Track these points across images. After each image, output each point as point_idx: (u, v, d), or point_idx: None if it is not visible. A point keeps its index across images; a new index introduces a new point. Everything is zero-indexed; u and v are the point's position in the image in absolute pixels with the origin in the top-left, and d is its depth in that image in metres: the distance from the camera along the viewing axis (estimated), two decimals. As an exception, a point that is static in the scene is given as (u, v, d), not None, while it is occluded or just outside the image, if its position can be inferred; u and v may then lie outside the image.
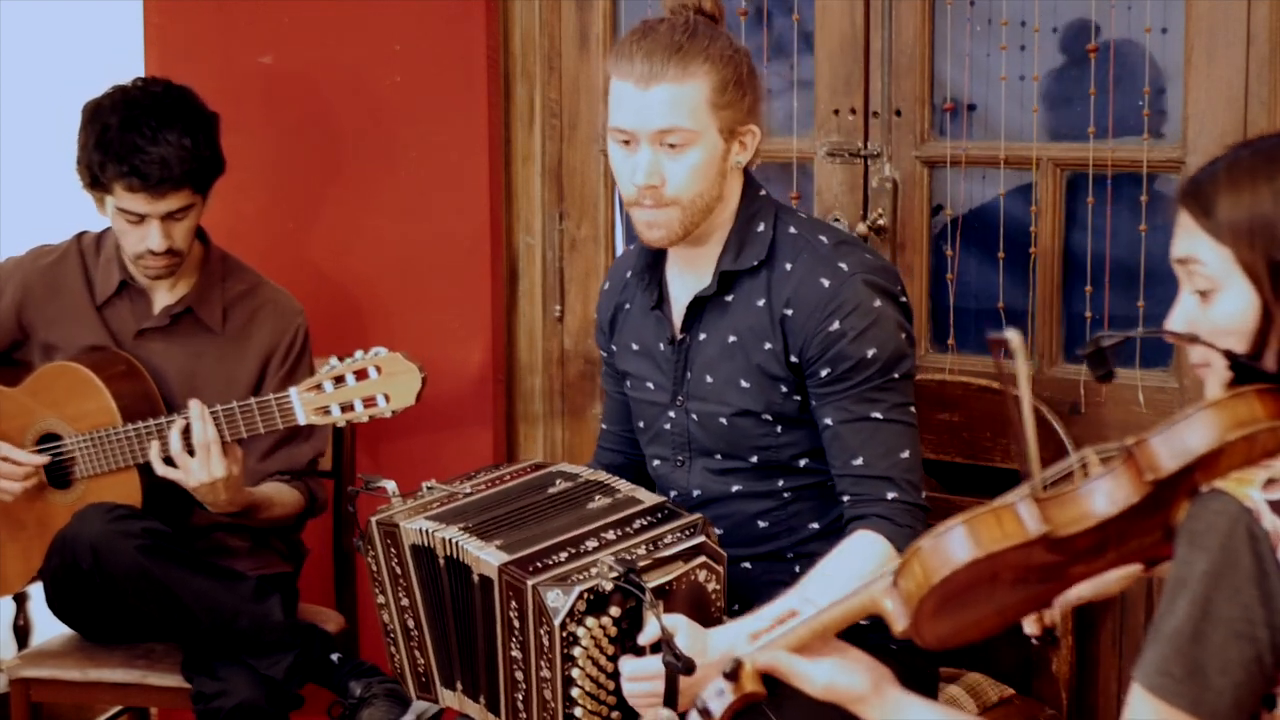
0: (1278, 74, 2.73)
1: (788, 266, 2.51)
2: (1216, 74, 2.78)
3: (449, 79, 3.52)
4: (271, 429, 2.95)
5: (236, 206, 3.53)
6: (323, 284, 3.60)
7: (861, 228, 3.12)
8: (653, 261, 2.62)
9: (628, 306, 2.70)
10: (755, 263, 2.52)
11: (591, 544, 2.38)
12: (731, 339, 2.54)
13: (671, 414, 2.62)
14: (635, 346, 2.67)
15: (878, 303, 2.46)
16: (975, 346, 3.12)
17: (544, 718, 2.36)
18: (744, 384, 2.53)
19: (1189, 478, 1.70)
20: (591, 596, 2.28)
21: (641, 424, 2.69)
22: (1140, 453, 1.71)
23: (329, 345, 3.26)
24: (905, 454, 2.47)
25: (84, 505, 3.05)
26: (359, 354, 2.89)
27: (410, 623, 2.58)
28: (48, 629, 3.44)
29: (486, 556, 2.37)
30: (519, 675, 2.38)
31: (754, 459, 2.55)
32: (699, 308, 2.57)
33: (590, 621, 2.28)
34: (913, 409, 2.50)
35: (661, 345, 2.62)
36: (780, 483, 2.56)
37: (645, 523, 2.43)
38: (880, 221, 3.13)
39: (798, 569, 2.54)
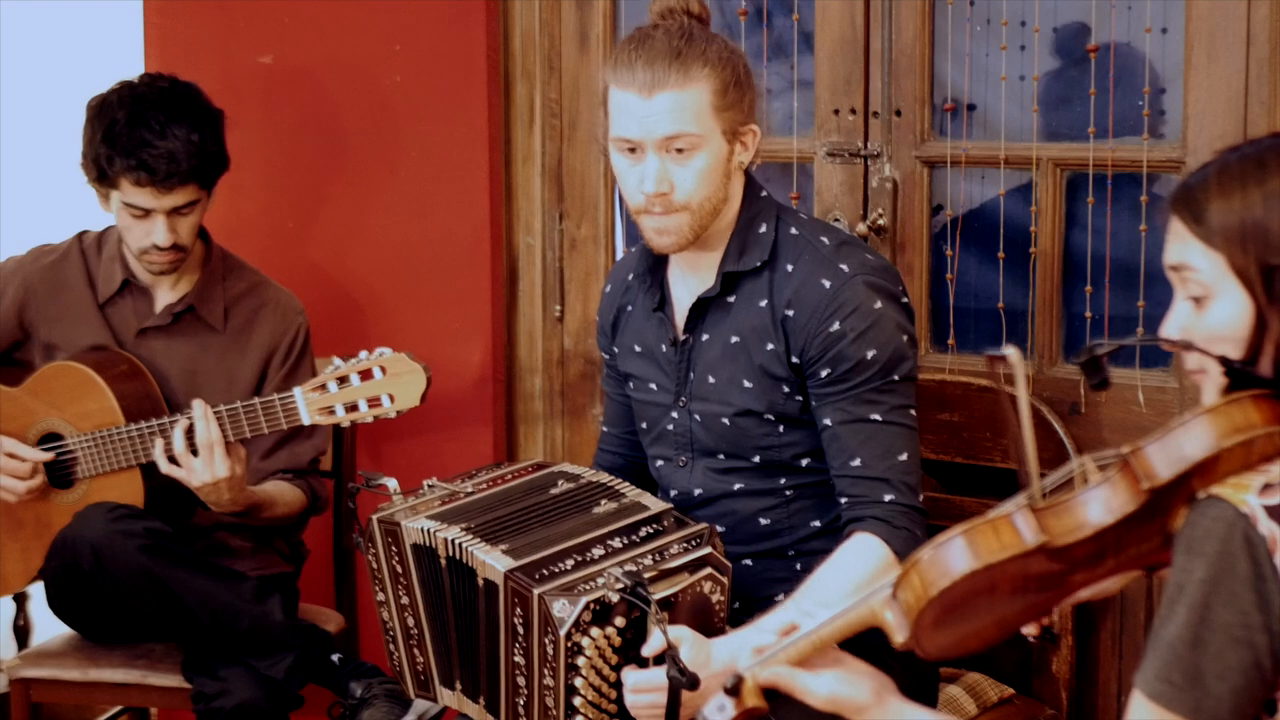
0: (1278, 74, 2.73)
1: (789, 268, 2.51)
2: (1216, 74, 2.78)
3: (449, 79, 3.52)
4: (276, 429, 2.95)
5: (237, 206, 3.53)
6: (323, 284, 3.60)
7: (861, 228, 3.12)
8: (654, 264, 2.62)
9: (629, 309, 2.70)
10: (758, 264, 2.52)
11: (598, 551, 2.38)
12: (734, 339, 2.54)
13: (674, 415, 2.62)
14: (638, 348, 2.67)
15: (878, 304, 2.47)
16: (975, 346, 3.12)
17: (544, 724, 2.36)
18: (746, 384, 2.53)
19: (1186, 484, 1.70)
20: (597, 607, 2.28)
21: (644, 425, 2.69)
22: (1136, 461, 1.71)
23: (329, 345, 3.26)
24: (904, 456, 2.47)
25: (85, 505, 3.05)
26: (364, 354, 2.89)
27: (410, 621, 2.58)
28: (48, 629, 3.44)
29: (492, 561, 2.37)
30: (521, 681, 2.38)
31: (756, 459, 2.56)
32: (702, 309, 2.57)
33: (595, 632, 2.28)
34: (913, 412, 2.50)
35: (664, 347, 2.62)
36: (782, 481, 2.57)
37: (651, 530, 2.43)
38: (880, 221, 3.13)
39: (799, 566, 2.55)
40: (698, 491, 2.61)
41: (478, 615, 2.44)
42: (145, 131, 3.05)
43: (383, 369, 2.88)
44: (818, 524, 2.57)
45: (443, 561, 2.47)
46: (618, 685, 2.31)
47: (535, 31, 3.50)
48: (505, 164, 3.56)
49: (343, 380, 2.89)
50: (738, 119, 2.47)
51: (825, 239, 2.53)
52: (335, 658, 3.06)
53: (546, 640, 2.30)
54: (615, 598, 2.27)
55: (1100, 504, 1.73)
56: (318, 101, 3.61)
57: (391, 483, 2.63)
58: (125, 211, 3.11)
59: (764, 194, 2.58)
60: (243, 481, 3.00)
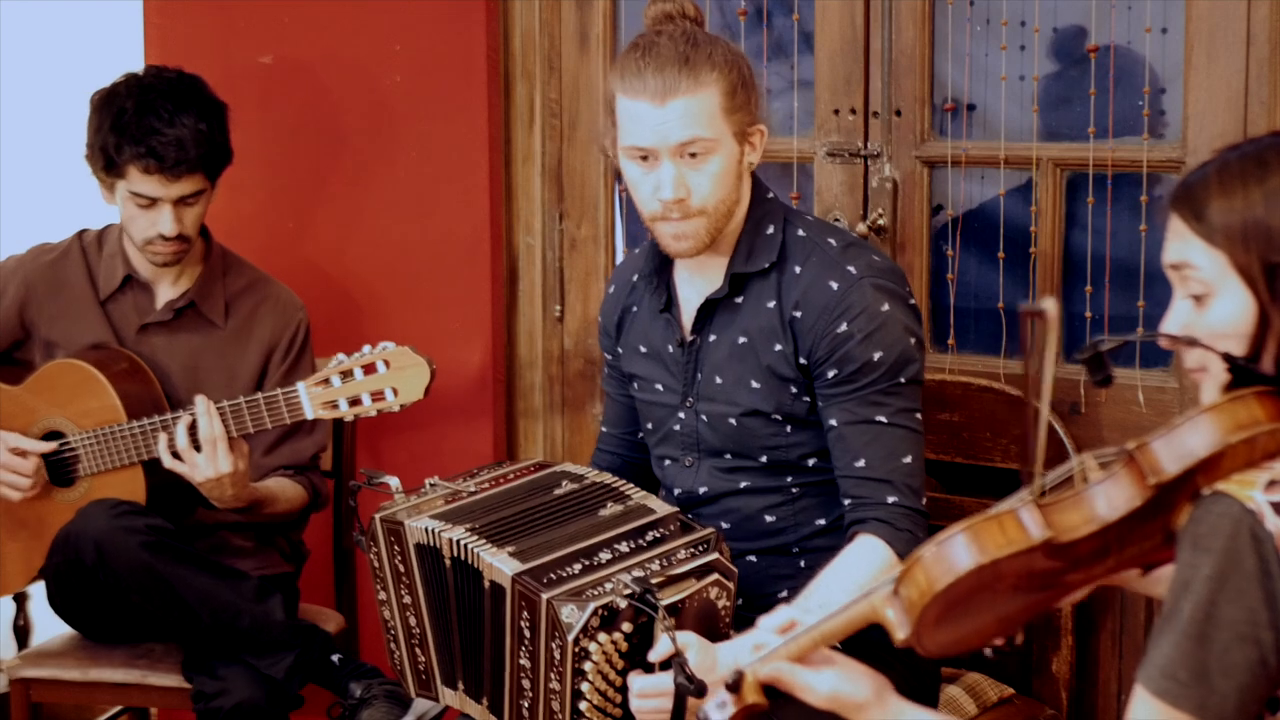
0: (1278, 74, 2.73)
1: (797, 269, 2.52)
2: (1216, 74, 2.78)
3: (449, 79, 3.52)
4: (279, 424, 2.95)
5: (236, 206, 3.53)
6: (323, 284, 3.60)
7: (861, 228, 3.12)
8: (660, 265, 2.63)
9: (634, 309, 2.70)
10: (766, 265, 2.53)
11: (605, 555, 2.38)
12: (741, 340, 2.55)
13: (681, 415, 2.62)
14: (643, 349, 2.68)
15: (885, 306, 2.47)
16: (975, 346, 3.12)
17: (549, 728, 2.36)
18: (754, 384, 2.54)
19: (1190, 481, 1.70)
20: (605, 612, 2.28)
21: (650, 425, 2.69)
22: (1142, 456, 1.72)
23: (329, 346, 3.26)
24: (908, 459, 2.47)
25: (87, 503, 3.05)
26: (366, 349, 2.90)
27: (412, 620, 2.58)
28: (48, 629, 3.44)
29: (499, 564, 2.37)
30: (526, 683, 2.38)
31: (763, 459, 2.56)
32: (709, 310, 2.57)
33: (602, 637, 2.29)
34: (918, 415, 2.51)
35: (670, 347, 2.63)
36: (789, 479, 2.57)
37: (658, 535, 2.43)
38: (880, 221, 3.13)
39: (803, 564, 2.55)
40: (703, 490, 2.62)
41: (483, 617, 2.44)
42: (154, 119, 3.07)
43: (386, 363, 2.88)
44: (822, 522, 2.58)
45: (447, 562, 2.47)
46: (623, 690, 2.31)
47: (535, 31, 3.50)
48: (505, 164, 3.56)
49: (346, 374, 2.90)
50: (746, 120, 2.48)
51: (832, 240, 2.54)
52: (335, 658, 3.06)
53: (554, 645, 2.30)
54: (623, 603, 2.28)
55: (1106, 499, 1.73)
56: (317, 101, 3.61)
57: (394, 481, 2.63)
58: (131, 201, 3.11)
59: (770, 195, 2.58)
60: (245, 477, 3.01)
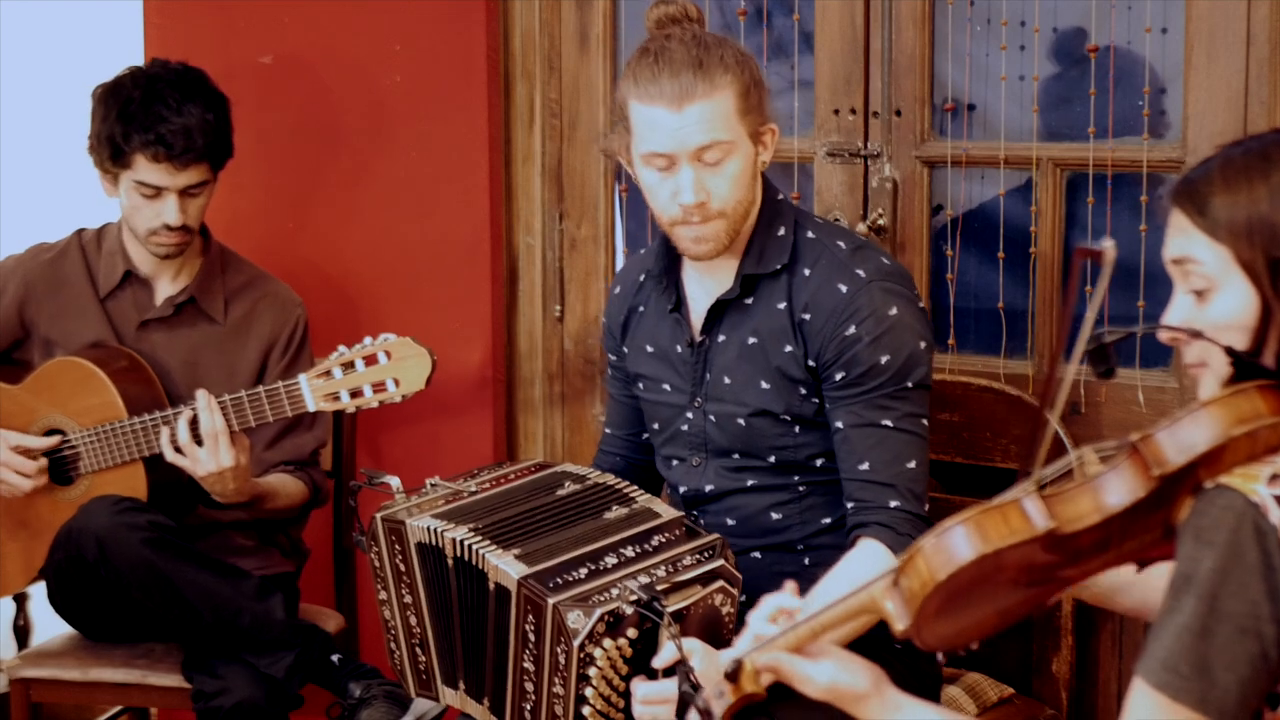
0: (1278, 74, 2.73)
1: (806, 271, 2.53)
2: (1216, 74, 2.78)
3: (449, 79, 3.52)
4: (281, 416, 2.96)
5: (236, 205, 3.53)
6: (322, 284, 3.60)
7: (861, 228, 3.12)
8: (669, 265, 2.63)
9: (641, 309, 2.71)
10: (778, 266, 2.54)
11: (610, 560, 2.38)
12: (751, 340, 2.55)
13: (689, 415, 2.63)
14: (650, 349, 2.68)
15: (894, 310, 2.48)
16: (975, 346, 3.12)
17: (552, 732, 2.37)
18: (764, 385, 2.54)
19: (1192, 474, 1.70)
20: (611, 618, 2.29)
21: (656, 425, 2.69)
22: (1145, 448, 1.72)
23: (329, 346, 3.26)
24: (912, 464, 2.47)
25: (89, 499, 3.05)
26: (368, 340, 2.90)
27: (412, 620, 2.58)
28: (48, 629, 3.44)
29: (505, 567, 2.37)
30: (529, 686, 2.38)
31: (772, 459, 2.56)
32: (719, 310, 2.58)
33: (607, 643, 2.29)
34: (925, 422, 2.51)
35: (679, 347, 2.63)
36: (796, 479, 2.58)
37: (663, 540, 2.44)
38: (880, 221, 3.13)
39: (807, 561, 2.56)
40: (709, 488, 2.62)
41: (486, 619, 2.44)
42: (162, 108, 3.09)
43: (387, 353, 2.89)
44: (828, 520, 2.58)
45: (450, 562, 2.47)
46: (626, 695, 2.31)
47: (535, 31, 3.50)
48: (505, 164, 3.56)
49: (347, 366, 2.90)
50: (758, 120, 2.49)
51: (841, 243, 2.55)
52: (335, 658, 3.06)
53: (559, 649, 2.30)
54: (629, 609, 2.28)
55: (1110, 490, 1.73)
56: (317, 101, 3.61)
57: (394, 481, 2.63)
58: (136, 191, 3.12)
59: (781, 197, 2.59)
60: (247, 471, 3.01)
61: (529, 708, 2.39)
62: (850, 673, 1.89)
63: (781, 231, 2.55)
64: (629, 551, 2.41)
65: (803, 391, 2.53)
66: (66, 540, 3.02)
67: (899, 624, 1.80)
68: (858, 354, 2.47)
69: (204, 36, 3.63)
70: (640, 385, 2.71)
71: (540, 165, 3.54)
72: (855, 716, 1.91)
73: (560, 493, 2.57)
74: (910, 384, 2.48)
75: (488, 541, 2.43)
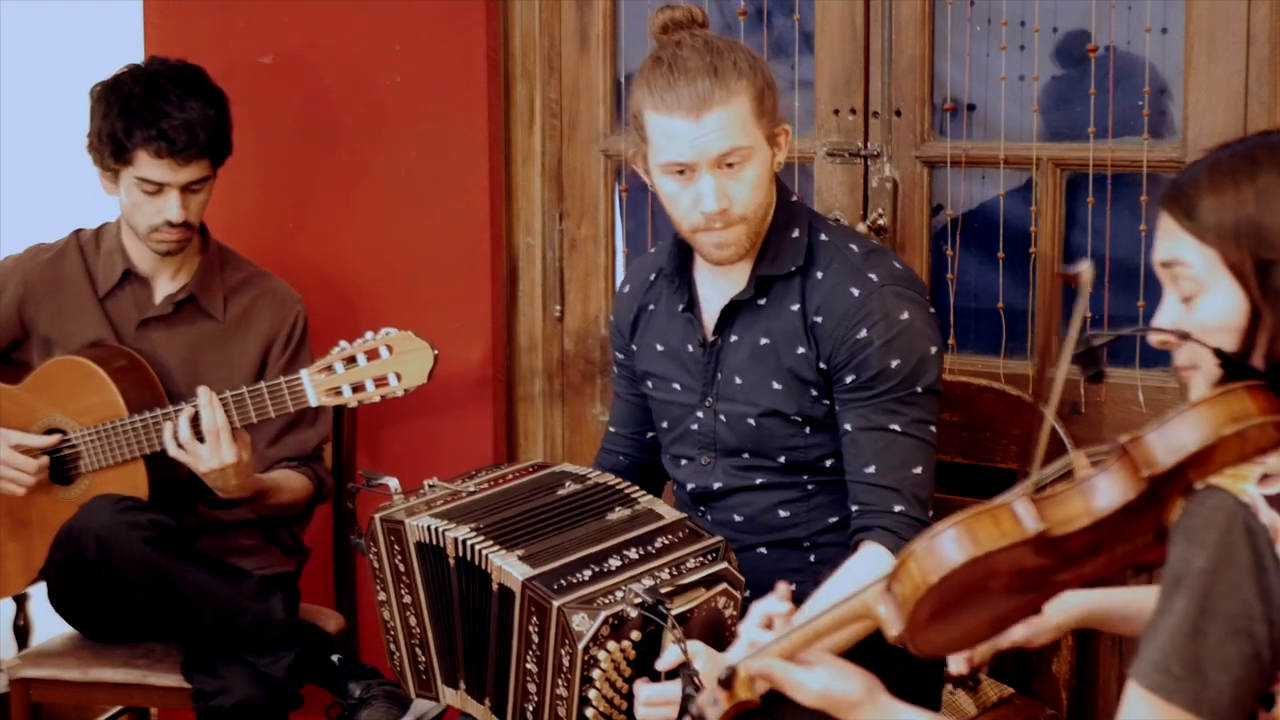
0: (1278, 74, 2.73)
1: (819, 274, 2.54)
2: (1216, 74, 2.78)
3: (449, 79, 3.52)
4: (283, 412, 2.96)
5: (236, 205, 3.53)
6: (322, 284, 3.60)
7: (861, 228, 3.12)
8: (681, 264, 2.63)
9: (651, 308, 2.71)
10: (792, 268, 2.54)
11: (614, 562, 2.39)
12: (764, 341, 2.56)
13: (700, 414, 2.63)
14: (660, 347, 2.68)
15: (905, 315, 2.48)
16: (975, 346, 3.12)
17: (555, 734, 2.37)
18: (775, 385, 2.55)
19: (1183, 475, 1.71)
20: (615, 621, 2.29)
21: (665, 424, 2.69)
22: (1135, 449, 1.72)
23: (330, 347, 3.26)
24: (918, 470, 2.48)
25: (90, 498, 3.05)
26: (369, 334, 2.91)
27: (412, 620, 2.58)
28: (48, 629, 3.44)
29: (509, 568, 2.37)
30: (532, 688, 2.38)
31: (782, 459, 2.57)
32: (732, 310, 2.58)
33: (611, 645, 2.29)
34: (933, 428, 2.52)
35: (690, 347, 2.63)
36: (805, 477, 2.58)
37: (667, 542, 2.44)
38: (880, 221, 3.13)
39: (812, 558, 2.57)
40: (717, 485, 2.62)
41: (489, 619, 2.44)
42: (164, 104, 3.09)
43: (389, 348, 2.89)
44: (835, 519, 2.58)
45: (451, 561, 2.48)
46: (629, 697, 2.31)
47: (535, 31, 3.50)
48: (505, 164, 3.56)
49: (349, 360, 2.91)
50: (773, 121, 2.50)
51: (854, 246, 2.56)
52: (335, 658, 3.06)
53: (563, 651, 2.31)
54: (633, 612, 2.28)
55: (1100, 492, 1.74)
56: (317, 101, 3.61)
57: (393, 482, 2.63)
58: (137, 188, 3.12)
59: (795, 198, 2.59)
60: (249, 467, 3.01)
61: (531, 709, 2.39)
62: (843, 680, 1.89)
63: (796, 233, 2.56)
64: (633, 554, 2.41)
65: (814, 393, 2.54)
66: (67, 539, 3.02)
67: (892, 630, 1.80)
68: (868, 357, 2.47)
69: (204, 36, 3.63)
70: (649, 384, 2.71)
71: (540, 165, 3.54)
72: None
73: (561, 492, 2.57)
74: (919, 389, 2.49)
75: (491, 542, 2.43)
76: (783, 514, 2.59)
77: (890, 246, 3.13)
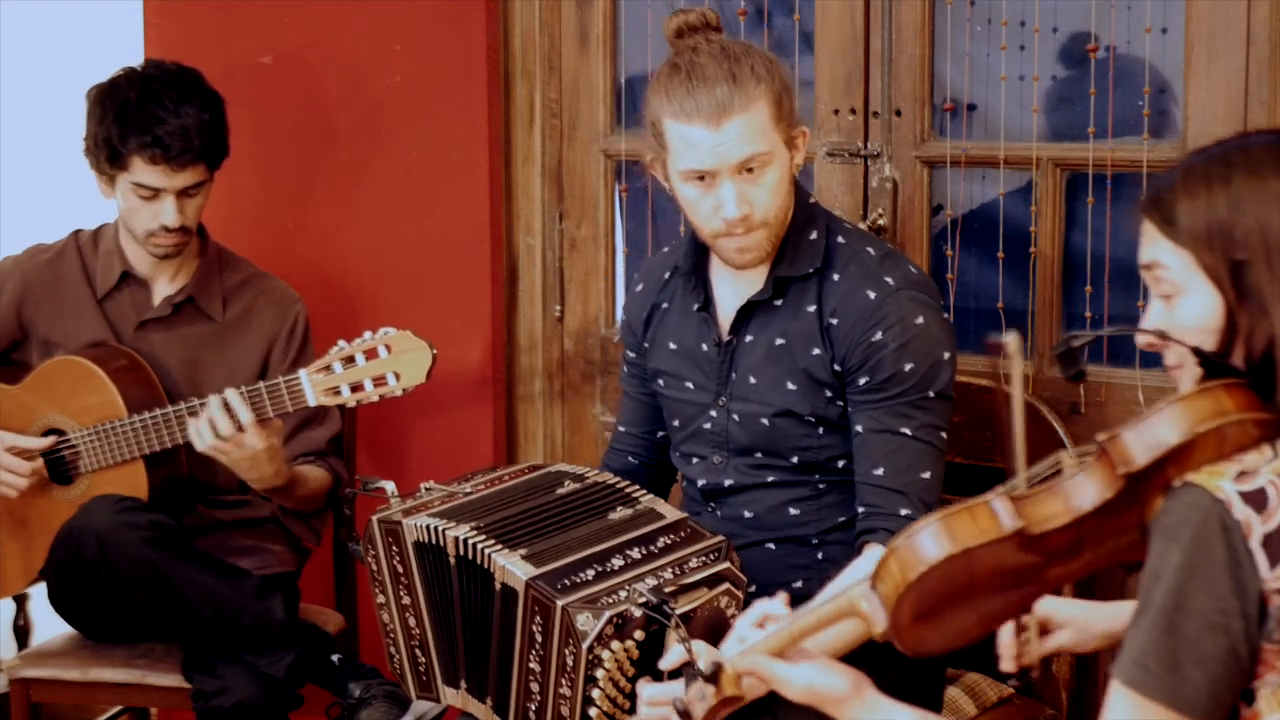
0: (1278, 74, 2.73)
1: (836, 276, 2.54)
2: (1216, 74, 2.78)
3: (449, 79, 3.52)
4: (281, 411, 2.95)
5: (236, 206, 3.53)
6: (322, 284, 3.60)
7: (861, 228, 3.12)
8: (698, 263, 2.63)
9: (665, 306, 2.71)
10: (811, 270, 2.54)
11: (617, 561, 2.39)
12: (779, 341, 2.56)
13: (713, 414, 2.63)
14: (673, 346, 2.68)
15: (920, 319, 2.49)
16: (975, 346, 3.12)
17: (558, 733, 2.37)
18: (790, 386, 2.55)
19: (1161, 472, 1.73)
20: (619, 621, 2.29)
21: (677, 423, 2.70)
22: (1113, 448, 1.75)
23: (329, 347, 3.26)
24: (926, 475, 2.48)
25: (90, 499, 3.05)
26: (368, 334, 2.91)
27: (411, 621, 2.58)
28: (48, 629, 3.44)
29: (513, 567, 2.38)
30: (534, 687, 2.38)
31: (795, 459, 2.57)
32: (748, 311, 2.58)
33: (615, 645, 2.30)
34: (943, 434, 2.52)
35: (705, 346, 2.63)
36: (816, 476, 2.58)
37: (669, 542, 2.45)
38: (880, 221, 3.13)
39: (820, 555, 2.57)
40: (728, 482, 2.62)
41: (491, 618, 2.44)
42: (159, 109, 3.09)
43: (388, 347, 2.89)
44: (844, 518, 2.59)
45: (452, 560, 2.48)
46: (632, 696, 2.32)
47: (535, 31, 3.50)
48: (505, 164, 3.57)
49: (348, 360, 2.91)
50: (791, 124, 2.51)
51: (871, 250, 2.56)
52: (335, 658, 3.06)
53: (567, 651, 2.31)
54: (637, 612, 2.29)
55: (1078, 491, 1.77)
56: (317, 101, 3.61)
57: (389, 485, 2.64)
58: (133, 193, 3.12)
59: (813, 200, 2.60)
60: (280, 451, 3.01)
61: (534, 708, 2.40)
62: (829, 675, 1.91)
63: (814, 235, 2.56)
64: (635, 553, 2.41)
65: (828, 394, 2.54)
66: (67, 540, 3.02)
67: (877, 627, 1.82)
68: (882, 360, 2.48)
69: (204, 36, 3.63)
70: (660, 382, 2.71)
71: (540, 165, 3.54)
72: (835, 718, 1.92)
73: (560, 491, 2.57)
74: (932, 394, 2.49)
75: (493, 541, 2.44)
76: (793, 512, 2.59)
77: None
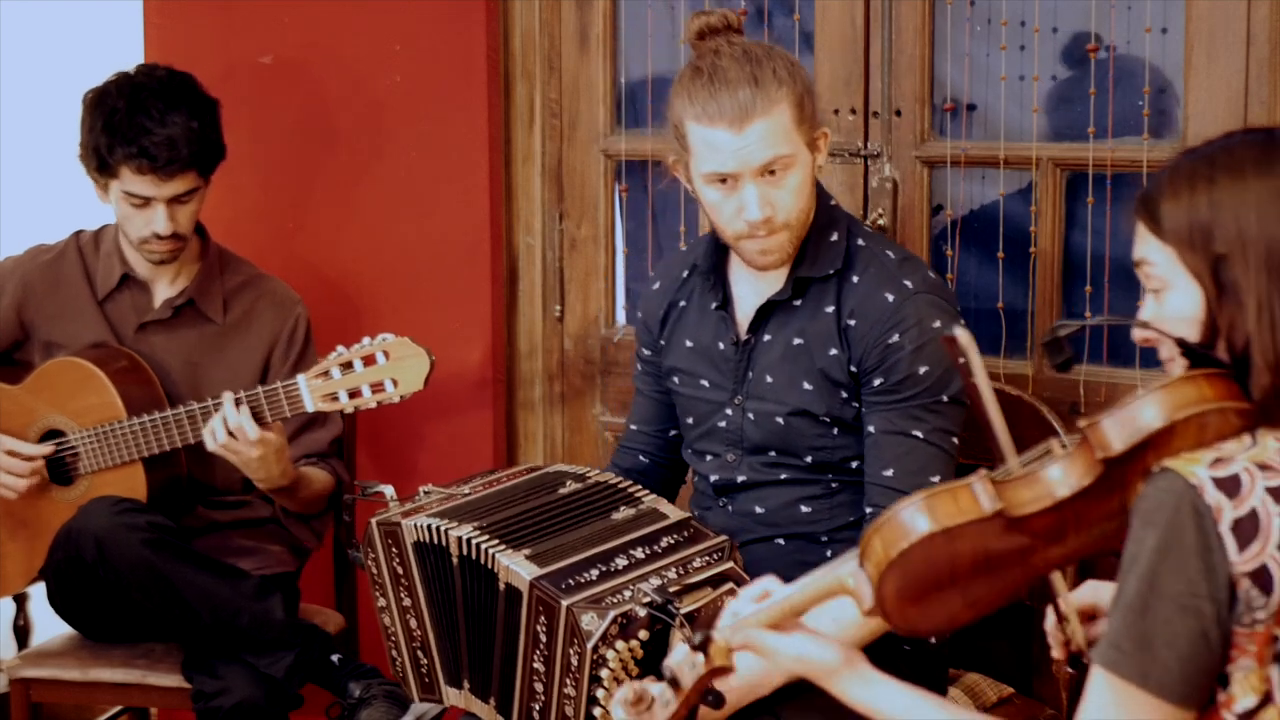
0: (1278, 74, 2.73)
1: (855, 278, 2.55)
2: (1216, 74, 2.78)
3: (449, 79, 3.52)
4: (279, 416, 2.95)
5: (235, 206, 3.53)
6: (322, 285, 3.60)
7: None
8: (716, 262, 2.63)
9: (682, 304, 2.71)
10: (831, 271, 2.55)
11: (621, 561, 2.40)
12: (797, 341, 2.57)
13: (728, 411, 2.63)
14: (690, 344, 2.69)
15: (937, 323, 2.50)
16: (975, 346, 3.12)
17: (562, 733, 2.37)
18: (806, 386, 2.56)
19: (1142, 458, 1.77)
20: (624, 620, 2.30)
21: (691, 420, 2.70)
22: (1093, 434, 1.79)
23: (329, 347, 3.26)
24: (935, 478, 2.49)
25: (89, 500, 3.05)
26: (366, 340, 2.91)
27: (413, 623, 2.58)
28: (48, 629, 3.44)
29: (517, 567, 2.38)
30: (539, 687, 2.39)
31: (809, 459, 2.58)
32: (767, 310, 2.58)
33: (620, 645, 2.31)
34: (955, 439, 2.53)
35: (722, 345, 2.64)
36: (829, 476, 2.59)
37: (672, 541, 2.46)
38: (880, 221, 3.13)
39: (829, 553, 2.57)
40: (741, 479, 2.63)
41: (494, 618, 2.44)
42: (145, 119, 3.08)
43: (386, 354, 2.89)
44: (854, 517, 2.59)
45: (454, 560, 2.48)
46: None
47: (535, 31, 3.51)
48: (505, 164, 3.57)
49: (346, 366, 2.90)
50: (813, 126, 2.51)
51: (890, 253, 2.57)
52: (335, 658, 3.06)
53: (571, 651, 2.31)
54: (641, 611, 2.29)
55: (1058, 475, 1.80)
56: (317, 101, 3.61)
57: (388, 490, 2.65)
58: (125, 201, 3.12)
59: (834, 202, 2.61)
60: (285, 451, 3.01)
61: (538, 708, 2.40)
62: (820, 647, 1.92)
63: (835, 237, 2.57)
64: (639, 553, 2.42)
65: (844, 395, 2.55)
66: (66, 541, 3.02)
67: (864, 604, 1.85)
68: (898, 362, 2.49)
69: (204, 36, 3.63)
70: (675, 379, 2.72)
71: (540, 165, 3.55)
72: (827, 690, 1.93)
73: (562, 491, 2.58)
74: (946, 398, 2.50)
75: (496, 540, 2.44)
76: (805, 509, 2.60)
77: (890, 246, 3.13)
